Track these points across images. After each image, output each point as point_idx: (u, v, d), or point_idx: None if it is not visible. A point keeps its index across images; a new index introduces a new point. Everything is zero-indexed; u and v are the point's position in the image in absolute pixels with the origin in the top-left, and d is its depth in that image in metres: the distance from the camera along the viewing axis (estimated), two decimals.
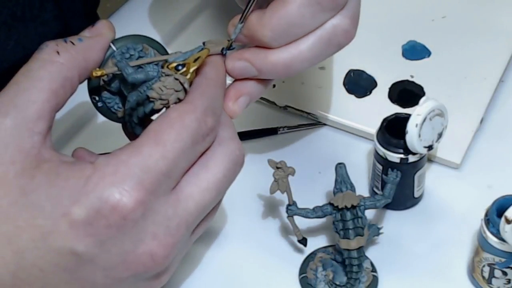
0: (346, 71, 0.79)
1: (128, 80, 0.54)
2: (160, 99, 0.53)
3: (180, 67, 0.53)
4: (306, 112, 0.76)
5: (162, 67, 0.54)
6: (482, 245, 0.63)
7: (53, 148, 0.51)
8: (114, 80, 0.56)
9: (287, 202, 0.65)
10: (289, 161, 0.64)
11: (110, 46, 0.56)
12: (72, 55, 0.52)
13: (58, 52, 0.52)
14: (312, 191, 0.70)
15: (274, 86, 0.78)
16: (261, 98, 0.77)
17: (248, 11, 0.58)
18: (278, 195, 0.65)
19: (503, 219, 0.60)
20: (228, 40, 0.58)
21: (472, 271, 0.65)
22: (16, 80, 0.51)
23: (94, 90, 0.57)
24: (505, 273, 0.63)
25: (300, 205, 0.65)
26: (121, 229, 0.49)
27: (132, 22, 0.84)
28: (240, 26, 0.58)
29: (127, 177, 0.49)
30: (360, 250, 0.63)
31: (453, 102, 0.73)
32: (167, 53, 0.58)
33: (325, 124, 0.76)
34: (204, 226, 0.55)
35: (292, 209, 0.65)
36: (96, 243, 0.49)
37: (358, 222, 0.63)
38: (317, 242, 0.68)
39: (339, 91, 0.77)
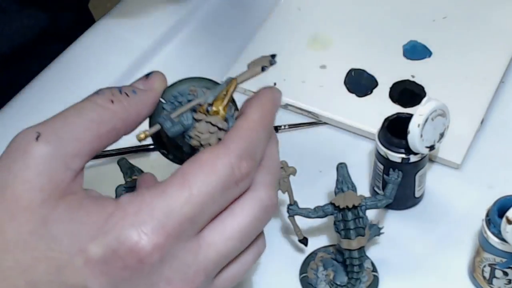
0: (347, 70, 0.79)
1: (169, 135, 0.53)
2: (202, 145, 0.52)
3: (209, 108, 0.52)
4: (307, 111, 0.76)
5: (196, 111, 0.53)
6: (483, 245, 0.63)
7: (82, 185, 0.50)
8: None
9: (288, 202, 0.65)
10: (290, 160, 0.64)
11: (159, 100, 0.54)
12: (125, 107, 0.51)
13: (112, 101, 0.51)
14: (313, 190, 0.70)
15: (274, 84, 0.78)
16: None
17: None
18: (279, 194, 0.64)
19: (504, 219, 0.60)
20: (272, 56, 0.54)
21: (472, 271, 0.65)
22: (66, 114, 0.50)
23: (159, 144, 0.56)
24: (506, 273, 0.63)
25: (301, 205, 0.65)
26: (136, 272, 0.47)
27: (133, 15, 0.84)
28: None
29: (148, 219, 0.47)
30: (361, 250, 0.63)
31: (454, 103, 0.73)
32: (217, 84, 0.55)
33: (326, 123, 0.76)
34: (233, 276, 0.52)
35: (293, 208, 0.65)
36: (109, 283, 0.47)
37: (359, 222, 0.63)
38: (318, 242, 0.68)
39: (340, 90, 0.77)
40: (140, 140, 0.52)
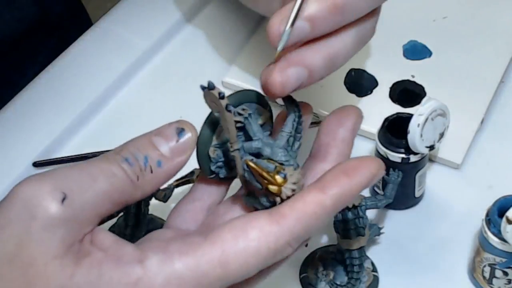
0: (347, 70, 0.79)
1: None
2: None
3: (282, 174, 0.48)
4: None
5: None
6: (483, 245, 0.63)
7: (92, 241, 0.47)
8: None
9: None
10: None
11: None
12: (147, 181, 0.49)
13: (138, 178, 0.48)
14: None
15: None
16: None
17: (297, 12, 0.50)
18: None
19: (504, 219, 0.60)
20: (219, 93, 0.48)
21: (472, 271, 0.65)
22: (93, 172, 0.48)
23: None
24: (506, 273, 0.63)
25: None
26: None
27: (133, 15, 0.84)
28: (289, 32, 0.50)
29: None
30: (361, 250, 0.63)
31: (454, 103, 0.72)
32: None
33: None
34: None
35: None
36: None
37: (359, 222, 0.63)
38: (318, 242, 0.68)
39: (340, 90, 0.77)
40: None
